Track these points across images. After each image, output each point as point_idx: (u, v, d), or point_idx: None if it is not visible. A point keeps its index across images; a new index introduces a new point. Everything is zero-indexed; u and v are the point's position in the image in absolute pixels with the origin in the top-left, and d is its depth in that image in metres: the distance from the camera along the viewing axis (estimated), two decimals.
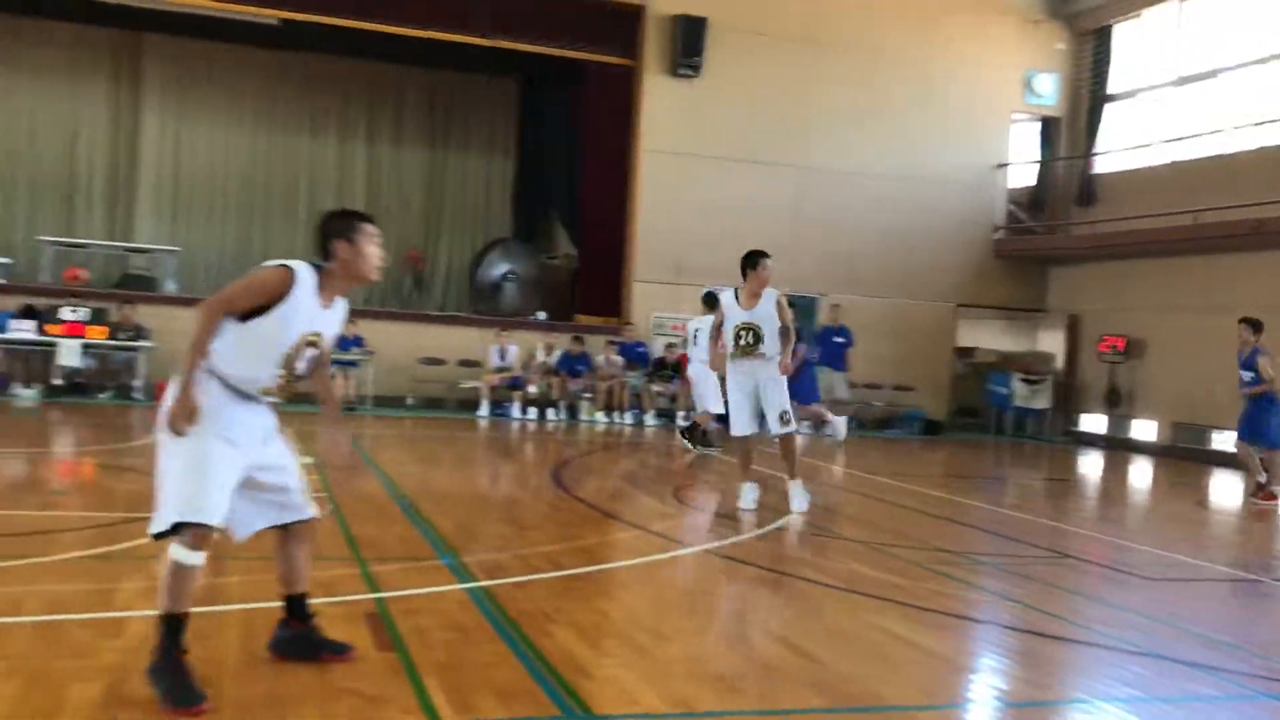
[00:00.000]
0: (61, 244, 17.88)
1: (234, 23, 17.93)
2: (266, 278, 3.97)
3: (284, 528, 4.26)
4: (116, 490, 8.42)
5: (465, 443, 14.02)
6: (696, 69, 18.15)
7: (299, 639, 4.34)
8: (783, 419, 8.67)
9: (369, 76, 20.76)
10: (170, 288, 17.60)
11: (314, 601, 4.45)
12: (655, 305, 18.07)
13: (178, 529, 3.83)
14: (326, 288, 4.11)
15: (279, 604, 4.37)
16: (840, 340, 17.18)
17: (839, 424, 15.39)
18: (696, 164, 18.24)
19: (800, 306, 18.74)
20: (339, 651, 4.36)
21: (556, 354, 17.55)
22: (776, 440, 8.80)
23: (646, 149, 18.28)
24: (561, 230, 20.48)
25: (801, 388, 14.91)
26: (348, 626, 4.77)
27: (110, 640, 4.38)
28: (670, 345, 17.84)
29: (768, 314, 8.57)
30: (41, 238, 17.90)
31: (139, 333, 15.69)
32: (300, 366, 4.16)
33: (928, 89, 19.38)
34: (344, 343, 16.66)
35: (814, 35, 18.83)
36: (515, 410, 16.74)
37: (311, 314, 4.08)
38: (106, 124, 19.61)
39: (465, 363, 17.38)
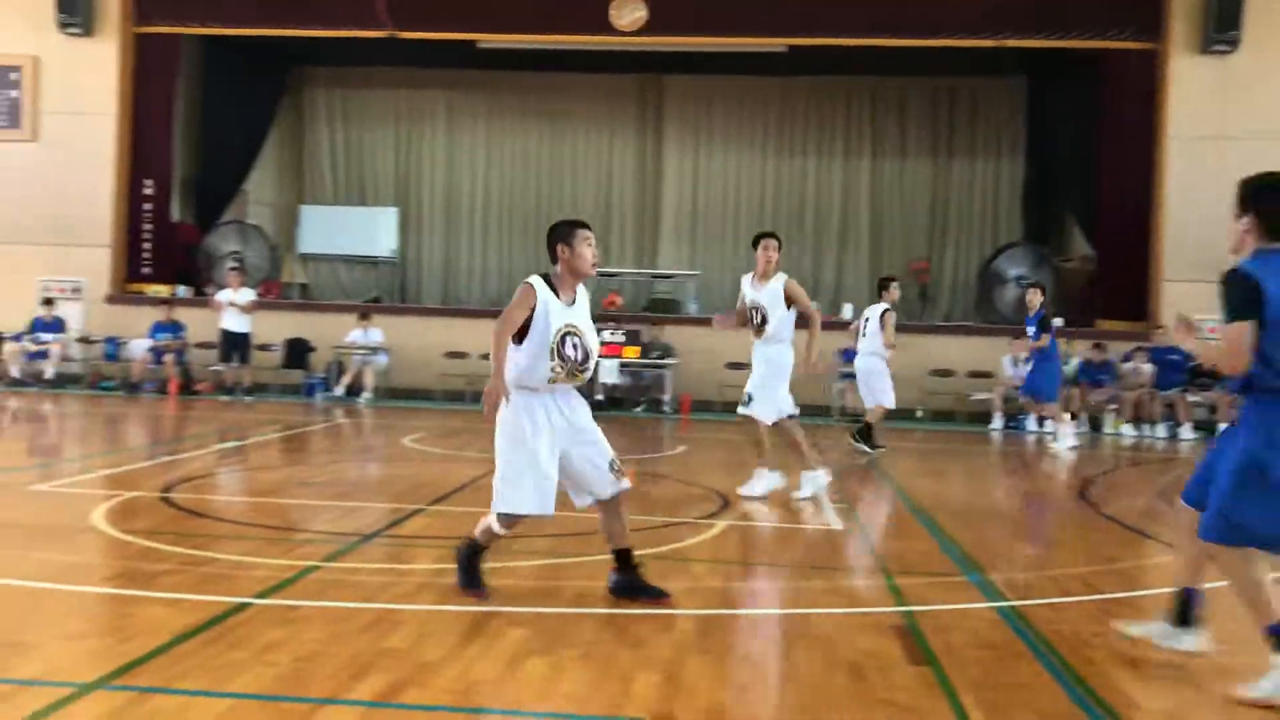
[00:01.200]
0: (600, 274, 19.80)
1: (744, 54, 18.93)
2: (519, 295, 5.02)
3: (603, 502, 5.19)
4: (654, 495, 9.13)
5: (978, 456, 13.65)
6: (1234, 44, 16.39)
7: (626, 583, 5.26)
8: (744, 399, 8.55)
9: (873, 91, 20.94)
10: (692, 309, 18.88)
11: (840, 611, 4.57)
12: (1189, 306, 16.37)
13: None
14: (562, 287, 5.10)
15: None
16: None
17: (1066, 432, 13.30)
18: (1235, 147, 16.39)
19: None
20: (658, 595, 5.17)
21: (1075, 363, 16.56)
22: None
23: (1174, 135, 16.80)
24: (1076, 230, 19.31)
25: (1041, 382, 13.25)
26: (877, 637, 4.82)
27: (663, 635, 4.75)
28: None
29: (773, 296, 8.45)
30: None
31: (666, 351, 16.98)
32: (570, 354, 5.04)
33: None
34: (848, 354, 16.89)
35: None
36: (1031, 423, 16.01)
37: (559, 311, 5.03)
38: (634, 162, 21.50)
39: (975, 374, 16.94)
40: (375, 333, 17.37)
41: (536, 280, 5.05)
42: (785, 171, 21.14)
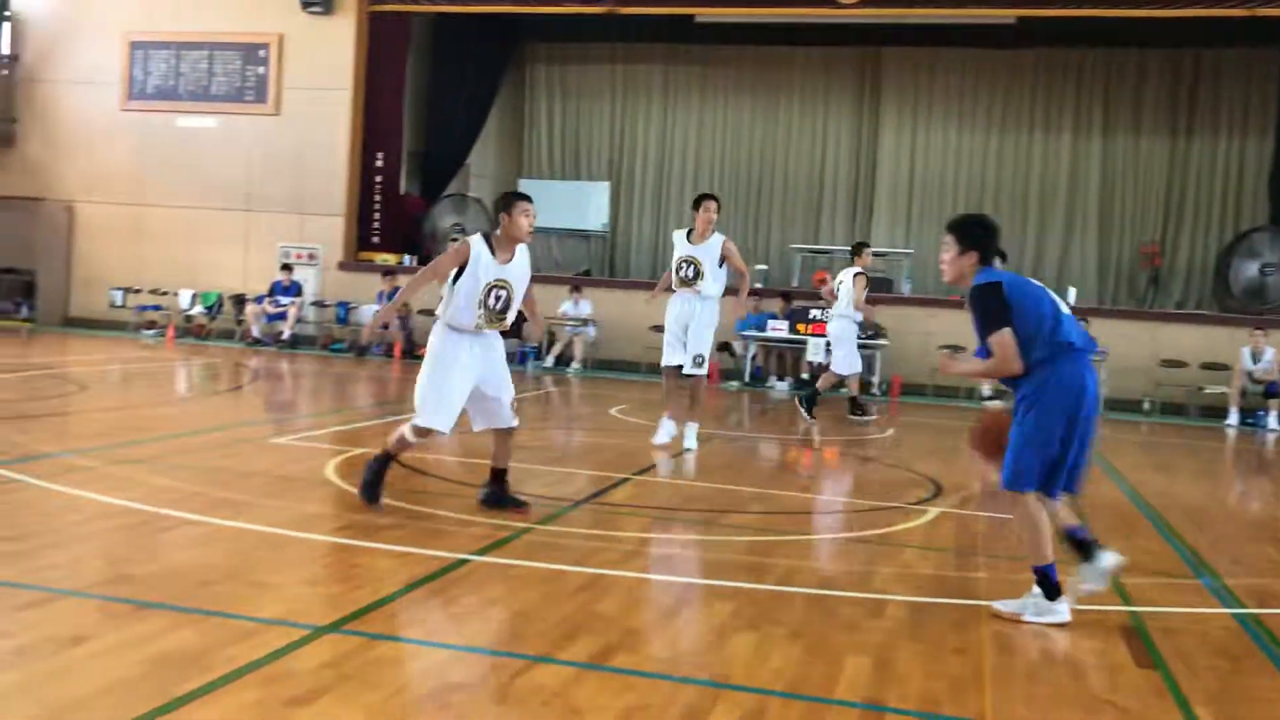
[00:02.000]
0: (809, 251, 19.62)
1: (969, 27, 18.26)
2: (454, 250, 5.91)
3: (497, 430, 6.12)
4: (863, 479, 9.00)
5: (1211, 452, 12.83)
6: None
7: (494, 495, 6.24)
8: (695, 360, 9.10)
9: (1106, 65, 19.83)
10: (905, 289, 18.43)
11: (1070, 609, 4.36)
12: None
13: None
14: (500, 248, 5.92)
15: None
16: None
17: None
18: None
19: None
20: (519, 506, 6.18)
21: None
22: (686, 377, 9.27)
23: None
24: None
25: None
26: (1101, 637, 4.61)
27: (874, 620, 4.68)
28: None
29: (710, 253, 9.08)
30: (792, 245, 19.81)
31: (877, 331, 16.64)
32: (494, 305, 5.88)
33: None
34: None
35: None
36: (1271, 420, 14.92)
37: (491, 268, 5.84)
38: (849, 137, 21.08)
39: (1210, 365, 15.89)
40: (585, 305, 17.72)
41: (475, 238, 5.90)
42: (1008, 148, 20.30)
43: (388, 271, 18.44)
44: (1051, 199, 20.08)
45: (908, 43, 19.91)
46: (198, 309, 19.40)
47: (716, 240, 9.17)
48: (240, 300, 19.07)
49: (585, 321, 17.67)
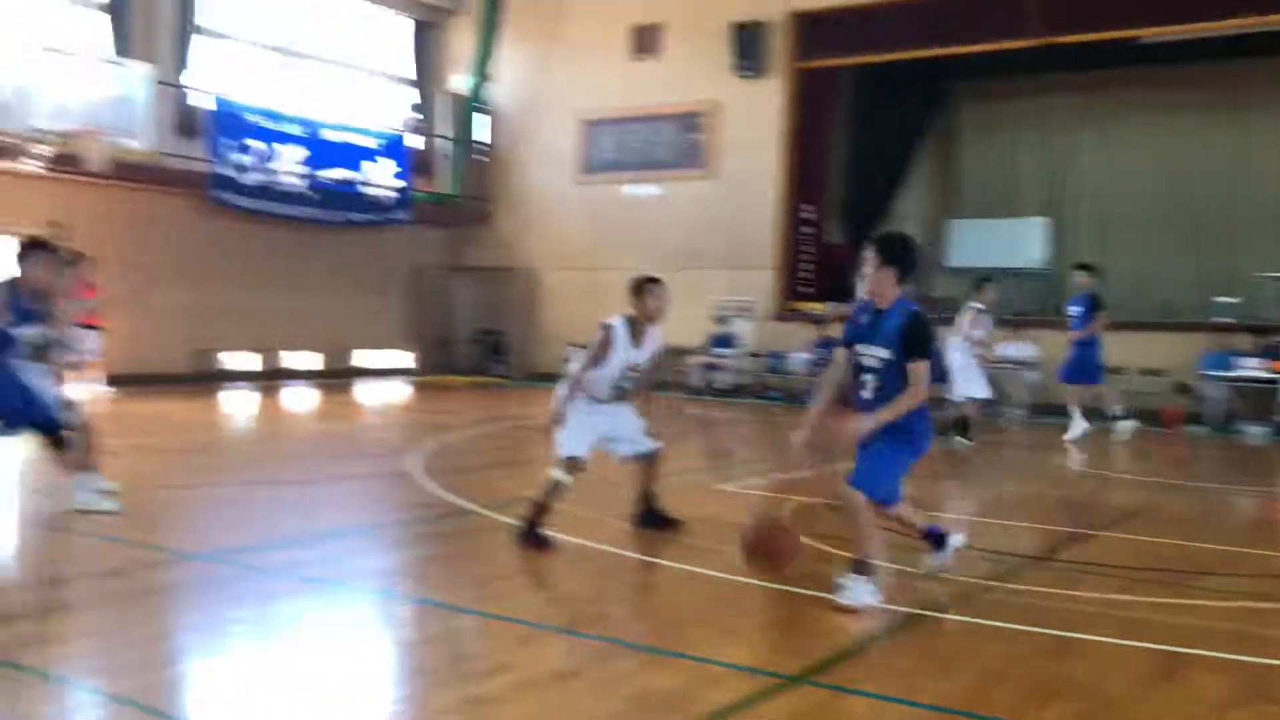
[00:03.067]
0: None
1: None
2: (601, 339, 6.51)
3: (640, 458, 6.87)
4: None
5: None
6: None
7: (644, 516, 6.99)
8: None
9: None
10: None
11: None
12: None
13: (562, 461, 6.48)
14: (635, 330, 6.59)
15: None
16: None
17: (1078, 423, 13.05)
18: None
19: None
20: (670, 524, 6.96)
21: None
22: None
23: None
24: None
25: (1081, 366, 13.23)
26: None
27: None
28: None
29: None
30: (1262, 274, 17.79)
31: None
32: (625, 385, 6.66)
33: None
34: None
35: None
36: None
37: (627, 352, 6.56)
38: None
39: None
40: (1026, 347, 17.01)
41: (617, 322, 6.55)
42: None
43: (818, 320, 18.71)
44: None
45: None
46: None
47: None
48: (680, 352, 20.10)
49: (1026, 364, 16.90)
